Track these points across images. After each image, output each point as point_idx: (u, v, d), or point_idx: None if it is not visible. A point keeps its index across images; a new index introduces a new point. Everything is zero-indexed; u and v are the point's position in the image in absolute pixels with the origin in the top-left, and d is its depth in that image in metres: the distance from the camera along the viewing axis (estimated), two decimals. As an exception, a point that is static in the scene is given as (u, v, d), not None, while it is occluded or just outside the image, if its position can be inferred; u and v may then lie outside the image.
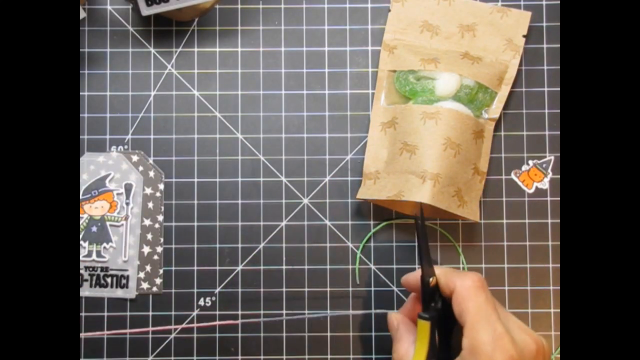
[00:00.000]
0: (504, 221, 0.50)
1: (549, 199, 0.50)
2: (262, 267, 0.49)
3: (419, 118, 0.47)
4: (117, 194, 0.49)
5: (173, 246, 0.49)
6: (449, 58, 0.49)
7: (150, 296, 0.49)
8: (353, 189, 0.50)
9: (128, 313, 0.49)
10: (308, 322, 0.49)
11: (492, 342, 0.35)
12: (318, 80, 0.50)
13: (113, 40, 0.51)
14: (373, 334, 0.49)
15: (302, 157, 0.50)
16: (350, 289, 0.49)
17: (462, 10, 0.50)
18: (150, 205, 0.49)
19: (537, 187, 0.50)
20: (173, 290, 0.49)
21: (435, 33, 0.50)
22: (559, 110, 0.50)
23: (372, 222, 0.50)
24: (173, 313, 0.49)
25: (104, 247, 0.49)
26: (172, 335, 0.49)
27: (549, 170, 0.50)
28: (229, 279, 0.49)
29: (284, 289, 0.49)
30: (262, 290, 0.49)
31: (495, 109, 0.49)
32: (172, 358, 0.49)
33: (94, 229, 0.49)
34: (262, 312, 0.49)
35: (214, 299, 0.49)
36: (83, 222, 0.49)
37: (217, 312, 0.49)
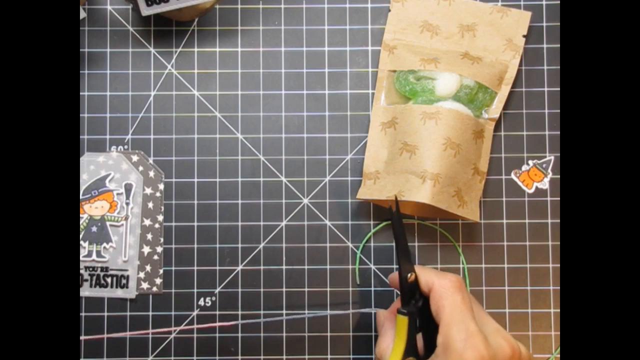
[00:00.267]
0: (504, 221, 0.50)
1: (549, 199, 0.50)
2: (262, 267, 0.49)
3: (419, 118, 0.47)
4: (117, 194, 0.49)
5: (173, 246, 0.49)
6: (449, 58, 0.49)
7: (150, 296, 0.49)
8: (353, 189, 0.50)
9: (128, 313, 0.49)
10: (308, 322, 0.49)
11: (464, 340, 0.36)
12: (318, 80, 0.50)
13: (113, 40, 0.51)
14: (373, 334, 0.49)
15: (302, 157, 0.50)
16: (350, 289, 0.49)
17: (462, 10, 0.50)
18: (150, 205, 0.49)
19: (537, 187, 0.50)
20: (173, 290, 0.49)
21: (435, 33, 0.50)
22: (559, 110, 0.50)
23: (372, 222, 0.50)
24: (173, 313, 0.49)
25: (104, 247, 0.49)
26: (172, 336, 0.49)
27: (549, 170, 0.50)
28: (229, 279, 0.49)
29: (283, 289, 0.49)
30: (262, 290, 0.49)
31: (495, 109, 0.49)
32: (172, 358, 0.49)
33: (94, 229, 0.49)
34: (262, 312, 0.49)
35: (214, 299, 0.49)
36: (83, 222, 0.49)
37: (217, 312, 0.49)
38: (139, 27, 0.51)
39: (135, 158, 0.50)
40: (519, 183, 0.50)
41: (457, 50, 0.49)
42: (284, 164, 0.50)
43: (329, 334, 0.49)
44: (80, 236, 0.49)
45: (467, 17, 0.50)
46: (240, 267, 0.49)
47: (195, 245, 0.49)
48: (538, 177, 0.50)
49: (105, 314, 0.49)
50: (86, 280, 0.49)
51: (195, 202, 0.50)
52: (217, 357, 0.49)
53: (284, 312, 0.49)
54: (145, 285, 0.49)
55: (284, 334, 0.49)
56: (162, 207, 0.50)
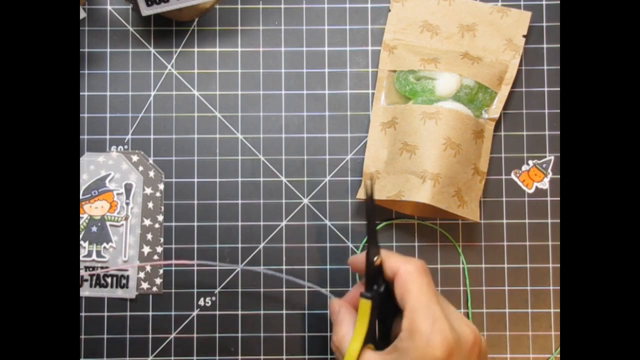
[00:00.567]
0: (504, 221, 0.50)
1: (549, 199, 0.50)
2: (262, 267, 0.49)
3: (419, 118, 0.47)
4: (117, 194, 0.49)
5: (173, 246, 0.49)
6: (449, 58, 0.49)
7: (150, 296, 0.49)
8: (353, 189, 0.50)
9: (128, 313, 0.49)
10: (308, 322, 0.49)
11: (431, 325, 0.36)
12: (318, 80, 0.50)
13: (113, 40, 0.51)
14: (373, 334, 0.49)
15: (302, 157, 0.50)
16: (350, 289, 0.49)
17: (462, 10, 0.50)
18: (150, 205, 0.49)
19: (537, 187, 0.50)
20: (173, 290, 0.49)
21: (435, 33, 0.50)
22: (559, 110, 0.50)
23: (372, 222, 0.50)
24: (173, 313, 0.49)
25: (104, 247, 0.49)
26: (172, 335, 0.49)
27: (549, 170, 0.50)
28: (229, 279, 0.49)
29: (283, 289, 0.49)
30: (262, 290, 0.49)
31: (495, 109, 0.49)
32: (172, 358, 0.49)
33: (94, 229, 0.49)
34: (262, 312, 0.49)
35: (214, 299, 0.49)
36: (83, 222, 0.49)
37: (217, 312, 0.49)
38: (139, 27, 0.51)
39: (135, 158, 0.50)
40: (519, 183, 0.50)
41: (457, 50, 0.49)
42: (284, 164, 0.50)
43: (328, 334, 0.49)
44: (80, 236, 0.49)
45: (467, 17, 0.50)
46: (240, 267, 0.49)
47: (195, 245, 0.49)
48: (538, 177, 0.50)
49: (105, 314, 0.49)
50: (86, 280, 0.49)
51: (195, 202, 0.50)
52: (217, 357, 0.49)
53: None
54: (145, 285, 0.49)
55: (284, 334, 0.49)
56: (162, 207, 0.50)
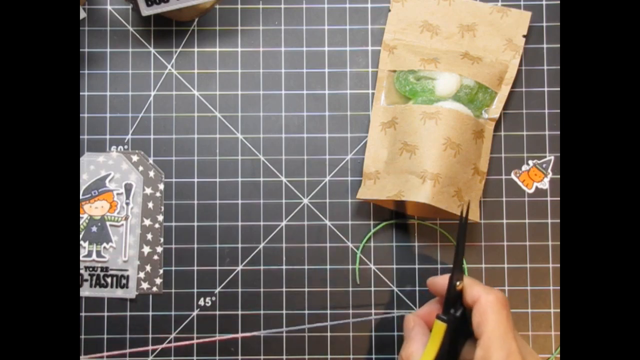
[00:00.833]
0: (504, 221, 0.50)
1: (549, 199, 0.50)
2: (262, 267, 0.49)
3: (419, 118, 0.47)
4: (117, 194, 0.49)
5: (173, 246, 0.49)
6: (449, 58, 0.49)
7: (150, 296, 0.49)
8: (353, 189, 0.50)
9: (128, 313, 0.49)
10: (308, 322, 0.49)
11: (504, 358, 0.36)
12: (318, 80, 0.50)
13: (113, 40, 0.51)
14: (373, 334, 0.49)
15: (302, 157, 0.50)
16: (350, 289, 0.49)
17: (462, 10, 0.50)
18: (150, 205, 0.49)
19: (537, 187, 0.50)
20: (173, 290, 0.49)
21: (435, 33, 0.50)
22: (559, 110, 0.50)
23: (372, 222, 0.50)
24: (173, 313, 0.49)
25: (104, 247, 0.49)
26: (172, 335, 0.49)
27: (549, 170, 0.50)
28: (229, 279, 0.49)
29: (284, 289, 0.49)
30: (262, 290, 0.49)
31: (495, 109, 0.49)
32: (172, 358, 0.49)
33: (94, 229, 0.49)
34: (262, 312, 0.49)
35: (214, 299, 0.49)
36: (83, 222, 0.49)
37: (217, 312, 0.49)
38: (139, 27, 0.51)
39: (135, 158, 0.50)
40: (519, 183, 0.50)
41: (457, 50, 0.49)
42: (284, 164, 0.50)
43: (329, 334, 0.49)
44: (80, 236, 0.49)
45: (467, 17, 0.50)
46: (240, 267, 0.49)
47: (195, 245, 0.49)
48: (538, 177, 0.50)
49: (105, 314, 0.49)
50: (86, 280, 0.49)
51: (195, 202, 0.50)
52: (217, 357, 0.49)
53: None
54: (145, 285, 0.49)
55: (284, 334, 0.49)
56: (162, 207, 0.50)
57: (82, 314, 0.49)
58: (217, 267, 0.49)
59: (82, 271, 0.49)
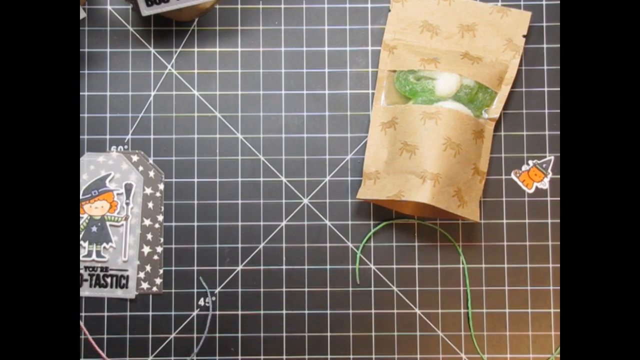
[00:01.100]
0: (504, 221, 0.50)
1: (549, 199, 0.50)
2: (262, 267, 0.49)
3: (419, 118, 0.47)
4: (117, 194, 0.49)
5: (173, 246, 0.49)
6: (449, 58, 0.49)
7: (150, 296, 0.49)
8: (353, 189, 0.50)
9: (128, 313, 0.49)
10: (308, 322, 0.49)
11: None
12: (318, 80, 0.50)
13: (113, 40, 0.51)
14: (373, 334, 0.49)
15: (302, 157, 0.50)
16: (350, 289, 0.49)
17: (462, 10, 0.50)
18: (150, 205, 0.49)
19: (537, 187, 0.50)
20: (173, 290, 0.49)
21: (435, 33, 0.50)
22: (559, 110, 0.50)
23: (372, 222, 0.50)
24: (173, 313, 0.49)
25: (104, 247, 0.49)
26: (172, 335, 0.49)
27: (549, 170, 0.50)
28: (229, 279, 0.49)
29: (284, 289, 0.49)
30: (262, 290, 0.49)
31: (495, 109, 0.49)
32: (172, 358, 0.49)
33: (94, 229, 0.49)
34: (262, 312, 0.49)
35: (214, 298, 0.49)
36: (83, 222, 0.49)
37: (217, 312, 0.49)
38: (139, 27, 0.51)
39: (135, 158, 0.50)
40: (519, 183, 0.50)
41: (457, 50, 0.49)
42: (284, 164, 0.50)
43: (329, 334, 0.49)
44: (80, 236, 0.49)
45: (467, 17, 0.50)
46: (240, 267, 0.49)
47: (195, 245, 0.49)
48: (538, 177, 0.50)
49: (105, 314, 0.49)
50: (86, 280, 0.49)
51: (195, 202, 0.50)
52: (217, 357, 0.49)
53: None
54: (145, 285, 0.49)
55: (284, 334, 0.49)
56: (162, 207, 0.50)
57: (82, 314, 0.49)
58: (217, 267, 0.49)
59: (82, 271, 0.49)
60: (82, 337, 0.49)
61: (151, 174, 0.50)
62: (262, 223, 0.50)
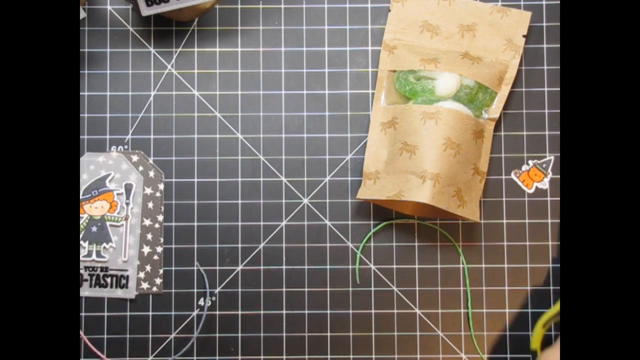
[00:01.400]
0: (504, 221, 0.50)
1: (549, 199, 0.50)
2: (262, 267, 0.49)
3: (419, 118, 0.47)
4: (117, 194, 0.49)
5: (173, 246, 0.49)
6: (449, 58, 0.49)
7: (150, 296, 0.49)
8: (353, 189, 0.50)
9: (128, 313, 0.49)
10: (308, 322, 0.49)
11: None
12: (318, 80, 0.50)
13: (113, 40, 0.51)
14: (373, 334, 0.49)
15: (302, 157, 0.50)
16: (350, 289, 0.49)
17: (462, 10, 0.50)
18: (150, 205, 0.49)
19: (537, 187, 0.50)
20: (173, 290, 0.49)
21: (435, 33, 0.50)
22: (559, 110, 0.50)
23: (372, 222, 0.50)
24: (173, 313, 0.49)
25: (104, 247, 0.49)
26: (172, 335, 0.49)
27: (549, 170, 0.50)
28: (229, 279, 0.49)
29: (284, 289, 0.49)
30: (262, 290, 0.49)
31: (495, 109, 0.49)
32: (172, 358, 0.49)
33: (94, 229, 0.49)
34: (262, 312, 0.49)
35: (214, 299, 0.49)
36: (83, 222, 0.49)
37: (217, 312, 0.49)
38: (139, 27, 0.51)
39: (135, 158, 0.50)
40: (519, 183, 0.50)
41: (457, 50, 0.49)
42: (284, 164, 0.50)
43: (329, 334, 0.49)
44: (80, 236, 0.49)
45: (467, 17, 0.50)
46: (240, 267, 0.49)
47: (195, 245, 0.49)
48: (538, 177, 0.50)
49: (105, 314, 0.49)
50: (86, 280, 0.49)
51: (195, 202, 0.50)
52: (217, 357, 0.49)
53: (284, 311, 0.49)
54: (145, 285, 0.49)
55: (284, 334, 0.49)
56: (162, 207, 0.50)
57: (82, 314, 0.49)
58: (217, 267, 0.49)
59: (82, 271, 0.49)
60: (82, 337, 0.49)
61: (151, 174, 0.50)
62: (262, 223, 0.50)
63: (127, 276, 0.49)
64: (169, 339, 0.49)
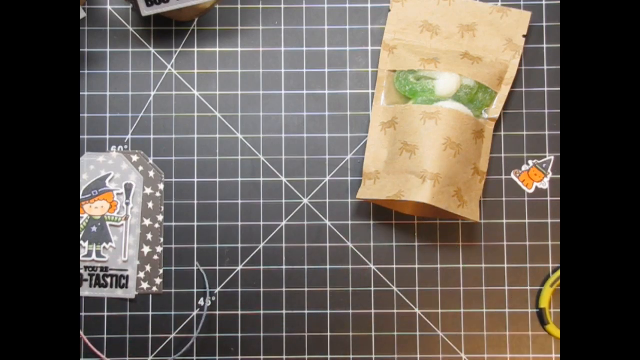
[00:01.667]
0: (504, 221, 0.50)
1: (549, 199, 0.50)
2: (262, 267, 0.49)
3: (419, 118, 0.47)
4: (117, 194, 0.49)
5: (173, 246, 0.49)
6: (449, 58, 0.49)
7: (150, 296, 0.49)
8: (353, 189, 0.50)
9: (128, 313, 0.49)
10: (308, 322, 0.49)
11: None
12: (318, 80, 0.50)
13: (113, 40, 0.51)
14: (373, 333, 0.49)
15: (302, 157, 0.50)
16: (350, 289, 0.49)
17: (462, 10, 0.50)
18: (150, 205, 0.49)
19: (537, 187, 0.50)
20: (173, 290, 0.49)
21: (435, 33, 0.50)
22: (559, 110, 0.50)
23: (372, 222, 0.50)
24: (173, 313, 0.49)
25: (104, 247, 0.49)
26: (172, 335, 0.49)
27: (549, 170, 0.50)
28: (229, 279, 0.49)
29: (284, 289, 0.49)
30: (262, 290, 0.49)
31: (495, 109, 0.49)
32: (173, 358, 0.49)
33: (94, 229, 0.49)
34: (262, 312, 0.49)
35: (214, 299, 0.49)
36: (83, 222, 0.49)
37: (217, 312, 0.49)
38: (139, 27, 0.51)
39: (135, 158, 0.50)
40: (519, 183, 0.50)
41: (457, 50, 0.49)
42: (284, 164, 0.50)
43: (329, 334, 0.49)
44: (80, 236, 0.49)
45: (467, 17, 0.50)
46: (240, 267, 0.49)
47: (195, 245, 0.49)
48: (538, 177, 0.50)
49: (105, 314, 0.49)
50: (86, 280, 0.49)
51: (195, 202, 0.50)
52: (217, 357, 0.49)
53: (284, 311, 0.49)
54: (145, 285, 0.49)
55: (284, 334, 0.49)
56: (162, 207, 0.50)
57: (82, 314, 0.49)
58: (217, 267, 0.49)
59: (82, 271, 0.49)
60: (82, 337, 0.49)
61: (151, 174, 0.50)
62: (262, 223, 0.49)
63: (127, 276, 0.49)
64: (169, 339, 0.49)
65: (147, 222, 0.49)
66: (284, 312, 0.49)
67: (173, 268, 0.49)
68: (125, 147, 0.50)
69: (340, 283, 0.49)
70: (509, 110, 0.50)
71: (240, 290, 0.49)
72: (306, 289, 0.49)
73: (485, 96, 0.49)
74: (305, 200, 0.50)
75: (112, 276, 0.49)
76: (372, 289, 0.49)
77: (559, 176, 0.50)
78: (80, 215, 0.49)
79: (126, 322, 0.49)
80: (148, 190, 0.50)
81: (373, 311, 0.49)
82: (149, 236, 0.49)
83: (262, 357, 0.49)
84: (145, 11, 0.47)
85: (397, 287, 0.49)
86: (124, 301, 0.49)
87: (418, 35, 0.50)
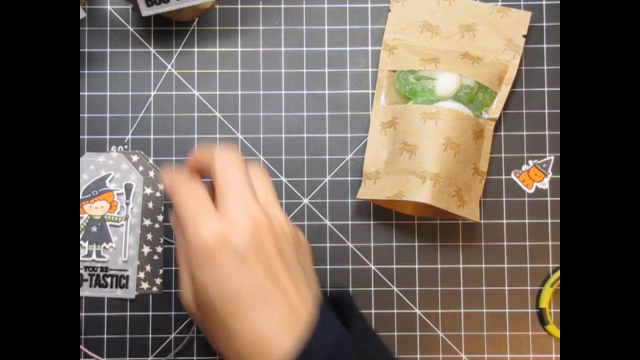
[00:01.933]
0: (504, 221, 0.50)
1: (549, 199, 0.50)
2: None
3: (419, 118, 0.47)
4: (117, 194, 0.49)
5: (173, 246, 0.49)
6: (449, 58, 0.49)
7: (150, 296, 0.49)
8: (353, 189, 0.50)
9: (128, 313, 0.49)
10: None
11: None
12: (318, 80, 0.50)
13: (113, 40, 0.51)
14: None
15: (302, 157, 0.50)
16: (350, 288, 0.49)
17: (462, 10, 0.50)
18: (150, 205, 0.49)
19: (537, 187, 0.50)
20: (173, 290, 0.49)
21: (435, 33, 0.50)
22: (559, 110, 0.50)
23: (372, 222, 0.50)
24: (173, 313, 0.49)
25: (104, 247, 0.49)
26: (172, 335, 0.49)
27: (549, 170, 0.50)
28: (229, 279, 0.49)
29: (284, 289, 0.49)
30: (262, 290, 0.49)
31: (495, 109, 0.49)
32: (172, 358, 0.49)
33: (94, 229, 0.49)
34: (262, 312, 0.49)
35: (214, 299, 0.49)
36: (83, 222, 0.49)
37: (217, 312, 0.49)
38: (139, 27, 0.51)
39: (135, 158, 0.50)
40: (519, 183, 0.50)
41: (457, 50, 0.49)
42: (284, 164, 0.50)
43: (329, 334, 0.49)
44: (80, 236, 0.49)
45: (467, 17, 0.50)
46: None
47: (195, 245, 0.49)
48: (538, 177, 0.50)
49: (105, 314, 0.49)
50: (86, 280, 0.49)
51: (195, 202, 0.49)
52: (217, 357, 0.49)
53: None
54: (145, 285, 0.49)
55: (284, 334, 0.49)
56: (162, 207, 0.50)
57: (82, 314, 0.49)
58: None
59: (82, 271, 0.49)
60: (82, 337, 0.49)
61: (151, 174, 0.50)
62: (262, 223, 0.49)
63: (127, 276, 0.49)
64: (169, 339, 0.49)
65: (147, 222, 0.49)
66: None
67: (173, 268, 0.49)
68: (125, 147, 0.50)
69: (341, 283, 0.49)
70: (509, 110, 0.50)
71: (240, 290, 0.49)
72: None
73: (485, 96, 0.49)
74: (305, 200, 0.50)
75: (112, 276, 0.49)
76: (372, 288, 0.49)
77: (559, 176, 0.50)
78: (80, 215, 0.49)
79: (126, 322, 0.49)
80: (148, 190, 0.50)
81: (373, 311, 0.49)
82: (149, 236, 0.49)
83: (262, 357, 0.49)
84: (145, 11, 0.47)
85: (397, 287, 0.49)
86: (124, 301, 0.49)
87: (418, 35, 0.50)
